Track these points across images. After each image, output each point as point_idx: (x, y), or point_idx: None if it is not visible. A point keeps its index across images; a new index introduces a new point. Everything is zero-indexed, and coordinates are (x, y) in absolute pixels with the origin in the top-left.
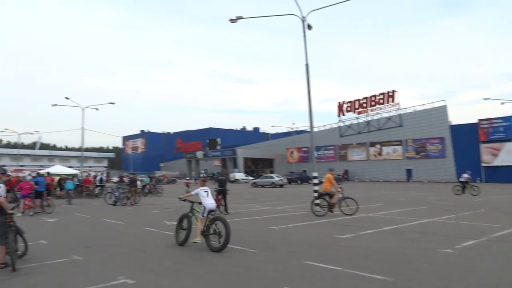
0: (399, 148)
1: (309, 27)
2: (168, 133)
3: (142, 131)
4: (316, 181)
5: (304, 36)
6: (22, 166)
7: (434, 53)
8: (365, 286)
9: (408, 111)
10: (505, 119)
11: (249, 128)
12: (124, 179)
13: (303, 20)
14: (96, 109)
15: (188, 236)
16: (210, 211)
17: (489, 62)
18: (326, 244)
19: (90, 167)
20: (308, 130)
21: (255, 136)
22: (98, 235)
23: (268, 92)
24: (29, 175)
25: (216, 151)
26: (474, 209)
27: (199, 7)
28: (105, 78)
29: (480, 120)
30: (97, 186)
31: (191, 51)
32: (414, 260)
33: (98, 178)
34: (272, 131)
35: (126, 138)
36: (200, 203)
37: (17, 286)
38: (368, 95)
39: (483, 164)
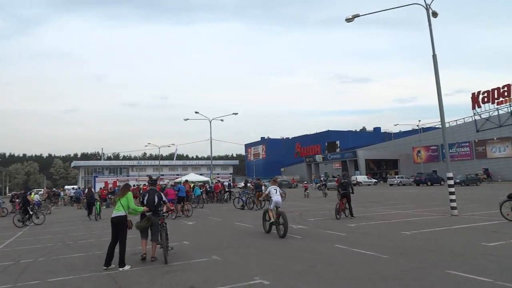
0: None
1: (435, 14)
2: (287, 138)
3: (262, 138)
4: (451, 182)
5: (430, 25)
6: (162, 175)
7: None
8: None
9: None
10: None
11: (369, 128)
12: (249, 184)
13: (428, 8)
14: (222, 120)
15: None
16: (276, 205)
17: None
18: (469, 252)
19: (218, 174)
20: (437, 126)
21: (376, 136)
22: (232, 237)
23: (387, 90)
24: (168, 183)
25: (335, 153)
26: None
27: (309, 13)
28: (229, 91)
29: None
30: (225, 191)
31: (305, 56)
32: None
33: (226, 184)
34: (395, 130)
35: (248, 146)
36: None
37: (175, 280)
38: (509, 82)
39: None
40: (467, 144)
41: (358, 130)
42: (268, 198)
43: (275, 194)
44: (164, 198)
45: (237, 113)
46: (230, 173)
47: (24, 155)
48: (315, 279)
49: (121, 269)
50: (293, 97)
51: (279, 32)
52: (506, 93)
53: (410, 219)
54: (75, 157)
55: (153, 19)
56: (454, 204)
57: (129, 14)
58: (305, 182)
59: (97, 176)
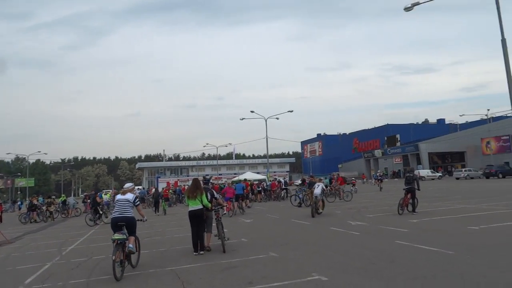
0: None
1: None
2: (344, 134)
3: (318, 134)
4: None
5: (498, 6)
6: (220, 174)
7: None
8: None
9: None
10: None
11: (432, 120)
12: (307, 181)
13: None
14: (277, 118)
15: (315, 211)
16: (316, 196)
17: None
18: None
19: (274, 172)
20: (509, 115)
21: (439, 128)
22: (289, 234)
23: (452, 79)
24: (226, 181)
25: (395, 148)
26: None
27: (365, 4)
28: (284, 88)
29: None
30: (282, 189)
31: (363, 49)
32: None
33: (282, 181)
34: (461, 121)
35: (304, 143)
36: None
37: (234, 276)
38: None
39: None
40: None
41: (420, 123)
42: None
43: (316, 188)
44: (215, 195)
45: (292, 111)
46: (287, 171)
47: (94, 158)
48: (375, 276)
49: (202, 252)
50: (351, 91)
51: (335, 25)
52: None
53: (478, 214)
54: (139, 159)
55: (211, 22)
56: None
57: (187, 19)
58: (353, 178)
59: (159, 177)
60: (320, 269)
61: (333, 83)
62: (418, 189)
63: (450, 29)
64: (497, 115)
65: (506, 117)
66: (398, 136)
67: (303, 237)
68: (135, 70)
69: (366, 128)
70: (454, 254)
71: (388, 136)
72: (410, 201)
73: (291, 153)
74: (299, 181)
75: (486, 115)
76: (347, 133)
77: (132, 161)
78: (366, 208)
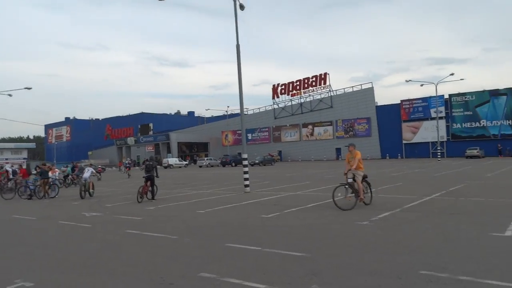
0: (329, 128)
1: (241, 7)
2: (97, 119)
3: (67, 118)
4: (245, 162)
5: (236, 16)
6: None
7: (364, 37)
8: (283, 264)
9: (339, 93)
10: (424, 99)
11: (184, 112)
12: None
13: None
14: (10, 95)
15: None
16: (85, 179)
17: (414, 47)
18: (251, 225)
19: (6, 159)
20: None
21: (190, 120)
22: (1, 234)
23: (204, 75)
24: None
25: (148, 136)
26: (394, 182)
27: None
28: (23, 62)
29: (402, 101)
30: (9, 179)
31: (122, 33)
32: (333, 235)
33: (10, 170)
34: (208, 114)
35: (48, 127)
36: None
37: None
38: (301, 78)
39: (404, 142)
40: (267, 129)
41: (173, 113)
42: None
43: (86, 172)
44: None
45: (30, 88)
46: (24, 158)
47: None
48: (96, 271)
49: None
50: (106, 75)
51: (95, 2)
52: (298, 87)
53: (209, 198)
54: None
55: None
56: (247, 182)
57: None
58: (99, 166)
59: None
60: (28, 273)
61: (86, 64)
62: (157, 177)
63: (206, 30)
64: (236, 112)
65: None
66: (151, 125)
67: (20, 236)
68: None
69: (120, 115)
70: (177, 238)
71: (142, 124)
72: (150, 188)
73: (31, 137)
74: (35, 170)
75: (226, 111)
76: (100, 119)
77: None
78: (108, 198)
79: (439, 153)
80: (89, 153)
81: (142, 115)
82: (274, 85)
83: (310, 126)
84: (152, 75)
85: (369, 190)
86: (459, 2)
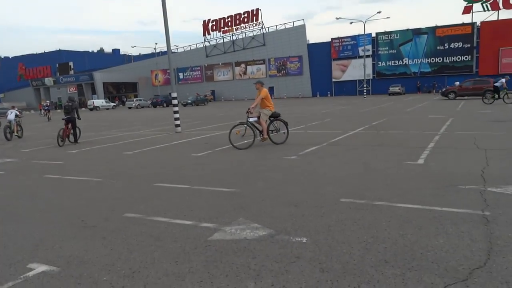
0: (262, 67)
1: None
2: (7, 57)
3: None
4: (175, 102)
5: None
6: None
7: None
8: (211, 200)
9: (271, 30)
10: (353, 38)
11: (108, 50)
12: None
13: None
14: None
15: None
16: (9, 121)
17: None
18: (181, 164)
19: None
20: (173, 51)
21: (115, 59)
22: None
23: (131, 9)
24: None
25: (69, 76)
26: (322, 119)
27: None
28: None
29: (333, 39)
30: None
31: None
32: (261, 170)
33: None
34: (135, 52)
35: None
36: None
37: None
38: (233, 14)
39: (334, 80)
40: (199, 68)
41: (95, 51)
42: None
43: (10, 114)
44: None
45: None
46: None
47: None
48: (7, 219)
49: None
50: (16, 6)
51: None
52: (230, 24)
53: (138, 139)
54: None
55: None
56: (178, 122)
57: None
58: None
59: None
60: None
61: None
62: (79, 118)
63: None
64: (164, 49)
65: (172, 52)
66: (71, 63)
67: None
68: None
69: (35, 52)
70: (102, 180)
71: (60, 63)
72: (72, 131)
73: None
74: None
75: (155, 48)
76: (10, 57)
77: None
78: (25, 142)
79: (365, 91)
80: (1, 95)
81: (60, 52)
82: (204, 21)
83: (243, 65)
84: (67, 8)
85: (285, 129)
86: None
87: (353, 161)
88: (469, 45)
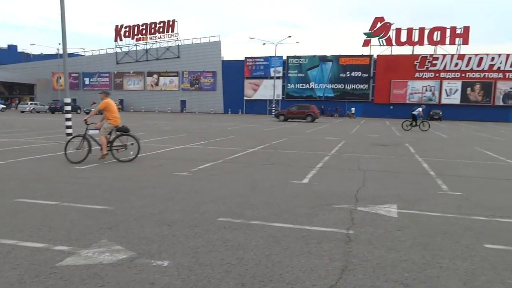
0: (175, 79)
1: None
2: None
3: None
4: (68, 108)
5: None
6: None
7: None
8: (77, 219)
9: (186, 42)
10: (266, 58)
11: (3, 45)
12: None
13: None
14: None
15: None
16: None
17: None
18: (58, 177)
19: None
20: (80, 53)
21: (10, 55)
22: None
23: (34, 2)
24: None
25: None
26: (226, 135)
27: None
28: None
29: (246, 58)
30: None
31: None
32: (144, 186)
33: None
34: (35, 51)
35: None
36: None
37: None
38: (148, 22)
39: (245, 98)
40: (107, 74)
41: None
42: None
43: None
44: None
45: None
46: None
47: None
48: None
49: None
50: None
51: None
52: (144, 32)
53: (18, 147)
54: None
55: None
56: (69, 131)
57: None
58: None
59: None
60: None
61: None
62: None
63: None
64: (71, 50)
65: (78, 55)
66: None
67: None
68: None
69: None
70: None
71: None
72: None
73: None
74: None
75: (58, 49)
76: None
77: None
78: None
79: (273, 111)
80: None
81: None
82: (117, 26)
83: (155, 76)
84: None
85: (136, 145)
86: None
87: (243, 179)
88: (367, 75)
